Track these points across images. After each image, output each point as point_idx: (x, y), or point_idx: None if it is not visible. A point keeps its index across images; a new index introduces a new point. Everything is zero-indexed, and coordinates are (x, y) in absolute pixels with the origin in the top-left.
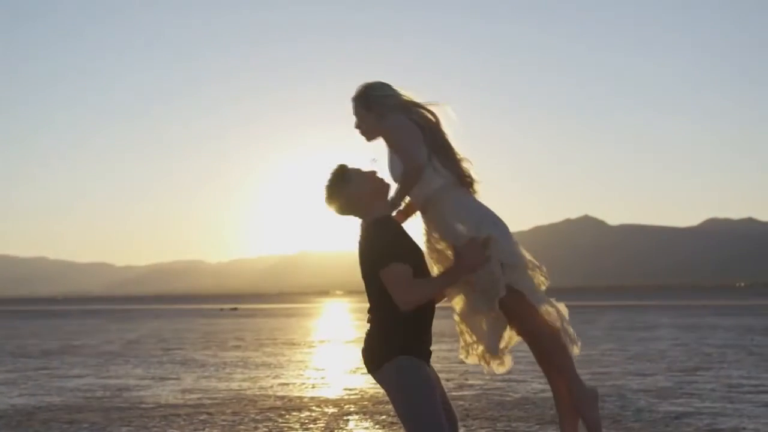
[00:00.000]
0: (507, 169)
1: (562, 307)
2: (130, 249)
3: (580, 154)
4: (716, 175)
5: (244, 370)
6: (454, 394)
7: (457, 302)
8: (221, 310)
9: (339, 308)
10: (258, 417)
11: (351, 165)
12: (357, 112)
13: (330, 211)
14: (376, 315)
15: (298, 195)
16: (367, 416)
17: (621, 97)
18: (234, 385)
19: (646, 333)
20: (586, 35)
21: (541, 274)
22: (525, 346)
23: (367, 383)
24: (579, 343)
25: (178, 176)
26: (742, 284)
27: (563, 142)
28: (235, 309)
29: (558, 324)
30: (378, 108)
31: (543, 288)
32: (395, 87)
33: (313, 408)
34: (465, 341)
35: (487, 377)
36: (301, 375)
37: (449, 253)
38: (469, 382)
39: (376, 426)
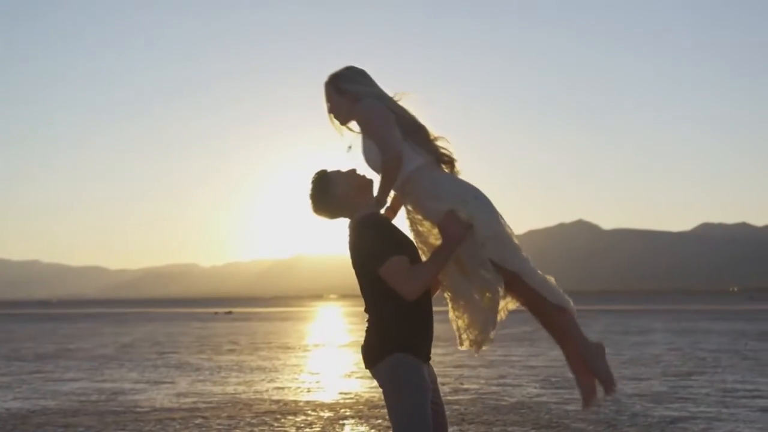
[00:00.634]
0: (502, 173)
1: (549, 278)
2: (125, 252)
3: (575, 158)
4: (710, 180)
5: (239, 374)
6: (449, 398)
7: (449, 291)
8: (216, 313)
9: (333, 312)
10: (253, 421)
11: (330, 167)
12: (329, 97)
13: (321, 219)
14: (373, 312)
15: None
16: (363, 420)
17: (615, 102)
18: (229, 389)
19: (640, 337)
20: (581, 40)
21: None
22: (520, 349)
23: (362, 387)
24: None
25: (173, 179)
26: (735, 289)
27: (558, 146)
28: (230, 313)
29: (552, 287)
30: (350, 93)
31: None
32: (368, 75)
33: (309, 412)
34: (458, 326)
35: (483, 381)
36: (296, 379)
37: (435, 232)
38: (465, 386)
39: (372, 430)
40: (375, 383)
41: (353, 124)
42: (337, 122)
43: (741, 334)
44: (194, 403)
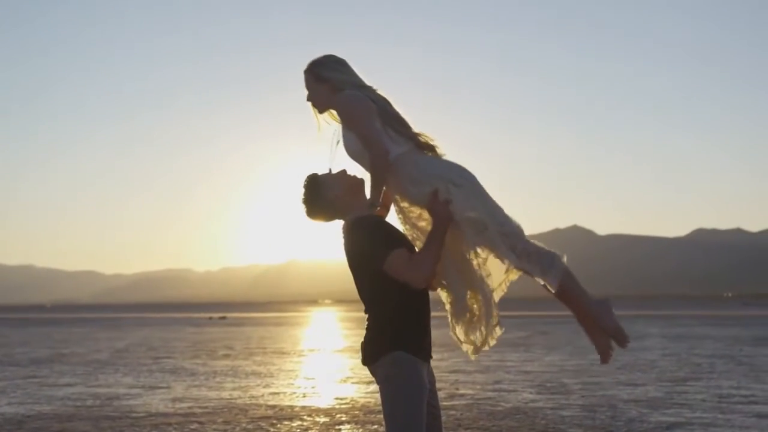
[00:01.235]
0: (496, 178)
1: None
2: (119, 257)
3: (570, 164)
4: (704, 186)
5: (235, 379)
6: (445, 403)
7: (445, 288)
8: (210, 318)
9: (328, 317)
10: (249, 426)
11: (321, 171)
12: (308, 85)
13: (317, 223)
14: (373, 311)
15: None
16: (359, 426)
17: (610, 108)
18: (224, 394)
19: (636, 343)
20: (578, 46)
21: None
22: (515, 355)
23: (358, 392)
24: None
25: (168, 184)
26: (730, 294)
27: (552, 152)
28: (224, 318)
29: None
30: (329, 81)
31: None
32: (348, 63)
33: (305, 417)
34: (456, 330)
35: (478, 387)
36: (292, 384)
37: (426, 216)
38: (460, 391)
39: None
40: (371, 388)
41: (333, 113)
42: (315, 110)
43: (736, 339)
44: (190, 408)
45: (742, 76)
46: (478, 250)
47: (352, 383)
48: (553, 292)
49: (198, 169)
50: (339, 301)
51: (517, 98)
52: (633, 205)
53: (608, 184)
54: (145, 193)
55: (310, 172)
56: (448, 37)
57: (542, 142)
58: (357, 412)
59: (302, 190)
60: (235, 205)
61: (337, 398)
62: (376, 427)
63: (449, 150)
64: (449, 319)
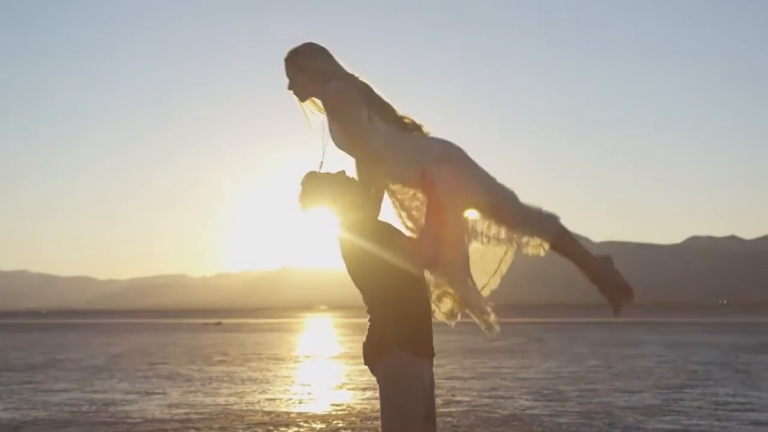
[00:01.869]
0: None
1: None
2: (114, 263)
3: (564, 170)
4: (699, 193)
5: (230, 384)
6: (442, 410)
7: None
8: (205, 324)
9: (323, 323)
10: None
11: (320, 169)
12: (289, 74)
13: (309, 217)
14: (374, 311)
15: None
16: None
17: (604, 114)
18: (221, 400)
19: (632, 350)
20: (576, 50)
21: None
22: (512, 361)
23: (354, 399)
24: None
25: (163, 189)
26: (725, 302)
27: (547, 158)
28: (219, 324)
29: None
30: (310, 70)
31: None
32: (328, 51)
33: (301, 424)
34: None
35: (475, 394)
36: (288, 390)
37: (419, 195)
38: (457, 398)
39: None
40: (368, 395)
41: (315, 102)
42: (298, 99)
43: (732, 347)
44: (186, 414)
45: (736, 83)
46: (474, 222)
47: (349, 389)
48: (552, 246)
49: (193, 175)
50: (334, 307)
51: (511, 104)
52: (628, 211)
53: (603, 191)
54: (140, 199)
55: (309, 170)
56: (451, 37)
57: (536, 149)
58: (354, 418)
59: (300, 187)
60: (231, 210)
61: (333, 404)
62: None
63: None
64: (443, 297)
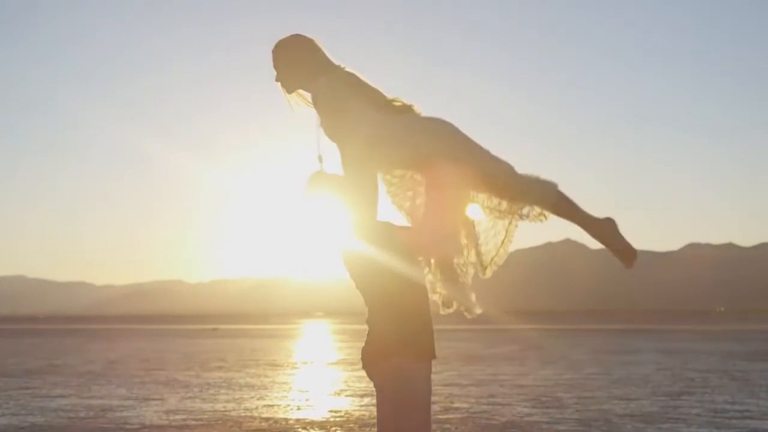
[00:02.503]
0: None
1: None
2: (110, 268)
3: (561, 176)
4: (697, 200)
5: (228, 391)
6: (439, 417)
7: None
8: (202, 330)
9: (320, 329)
10: None
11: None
12: (276, 65)
13: (331, 208)
14: (375, 313)
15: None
16: None
17: (602, 121)
18: (218, 407)
19: (629, 357)
20: (571, 50)
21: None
22: (510, 368)
23: (352, 405)
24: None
25: (159, 195)
26: (722, 309)
27: (543, 165)
28: (216, 329)
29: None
30: (297, 62)
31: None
32: (316, 43)
33: (299, 430)
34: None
35: (473, 400)
36: (286, 396)
37: (409, 175)
38: (455, 405)
39: None
40: (366, 401)
41: (302, 93)
42: (284, 90)
43: (729, 354)
44: (184, 420)
45: (735, 91)
46: (472, 198)
47: (347, 396)
48: (553, 212)
49: (190, 180)
50: (331, 313)
51: (507, 108)
52: (625, 218)
53: (601, 198)
54: (136, 204)
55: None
56: (450, 41)
57: (532, 156)
58: (352, 425)
59: (308, 180)
60: (227, 216)
61: (331, 411)
62: None
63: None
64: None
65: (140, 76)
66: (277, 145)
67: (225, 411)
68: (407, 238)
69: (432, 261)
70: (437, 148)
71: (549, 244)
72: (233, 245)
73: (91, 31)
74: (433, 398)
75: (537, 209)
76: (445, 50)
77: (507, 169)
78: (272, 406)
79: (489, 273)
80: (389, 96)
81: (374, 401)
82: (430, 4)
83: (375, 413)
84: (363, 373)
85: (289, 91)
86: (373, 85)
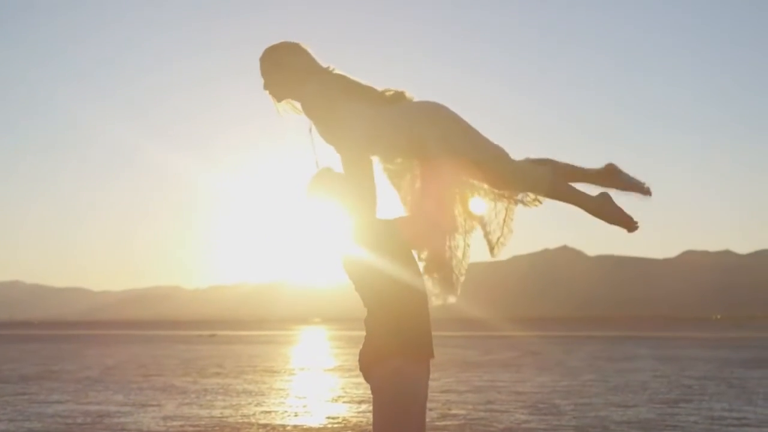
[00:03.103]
0: None
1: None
2: (107, 274)
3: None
4: (694, 207)
5: (226, 397)
6: (437, 423)
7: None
8: (199, 336)
9: (318, 336)
10: None
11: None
12: (264, 73)
13: (333, 208)
14: (373, 315)
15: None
16: None
17: (599, 127)
18: (216, 413)
19: (626, 364)
20: (571, 50)
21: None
22: (507, 375)
23: (350, 412)
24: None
25: (157, 201)
26: (719, 316)
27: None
28: (214, 335)
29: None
30: (286, 68)
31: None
32: (304, 48)
33: None
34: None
35: (470, 407)
36: (283, 403)
37: (407, 164)
38: (452, 411)
39: None
40: (363, 407)
41: (292, 102)
42: (273, 99)
43: (726, 361)
44: (182, 426)
45: (732, 97)
46: (466, 184)
47: (344, 402)
48: (548, 196)
49: (188, 186)
50: (329, 320)
51: (507, 108)
52: None
53: None
54: (133, 209)
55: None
56: (449, 42)
57: (532, 156)
58: (349, 431)
59: (311, 178)
60: (225, 222)
61: (328, 417)
62: None
63: None
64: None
65: (140, 76)
66: (276, 150)
67: (222, 417)
68: (404, 229)
69: (425, 249)
70: (432, 131)
71: (546, 251)
72: (230, 251)
73: (91, 31)
74: (431, 405)
75: (531, 195)
76: (445, 50)
77: (500, 155)
78: (270, 412)
79: (497, 253)
80: (380, 88)
81: (371, 407)
82: (430, 4)
83: (372, 419)
84: (360, 379)
85: (279, 99)
86: (363, 82)
